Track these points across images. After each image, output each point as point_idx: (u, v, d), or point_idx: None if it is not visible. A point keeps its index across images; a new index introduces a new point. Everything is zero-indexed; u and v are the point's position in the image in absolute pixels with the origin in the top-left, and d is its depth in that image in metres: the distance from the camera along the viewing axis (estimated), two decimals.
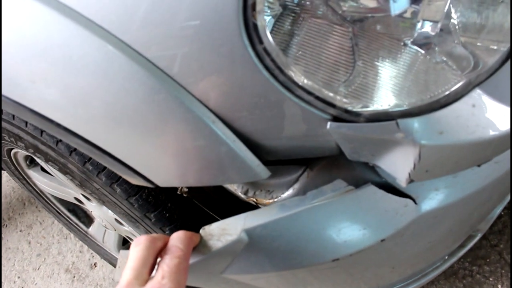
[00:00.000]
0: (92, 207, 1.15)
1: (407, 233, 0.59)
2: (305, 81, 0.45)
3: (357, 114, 0.46)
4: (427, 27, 0.45)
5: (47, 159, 0.84)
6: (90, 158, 0.74)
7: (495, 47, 0.46)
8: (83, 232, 1.42)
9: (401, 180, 0.49)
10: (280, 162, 0.59)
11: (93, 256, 1.65)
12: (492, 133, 0.45)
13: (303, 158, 0.56)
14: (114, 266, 1.49)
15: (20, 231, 1.83)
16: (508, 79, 0.47)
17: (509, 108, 0.45)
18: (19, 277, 1.68)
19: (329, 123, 0.47)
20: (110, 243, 1.34)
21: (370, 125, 0.46)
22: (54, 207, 1.38)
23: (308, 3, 0.44)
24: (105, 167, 0.73)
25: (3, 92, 0.55)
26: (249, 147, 0.51)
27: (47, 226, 1.81)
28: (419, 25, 0.44)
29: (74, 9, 0.47)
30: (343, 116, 0.47)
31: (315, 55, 0.45)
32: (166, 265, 0.48)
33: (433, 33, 0.45)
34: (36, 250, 1.75)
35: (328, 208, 0.56)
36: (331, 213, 0.57)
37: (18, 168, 1.21)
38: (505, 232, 1.28)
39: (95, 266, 1.62)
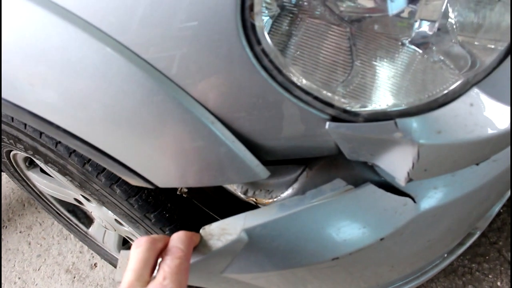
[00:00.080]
0: (92, 208, 1.15)
1: (406, 231, 0.59)
2: (304, 81, 0.45)
3: (356, 114, 0.47)
4: (425, 27, 0.45)
5: (47, 161, 0.84)
6: (90, 159, 0.74)
7: (492, 46, 0.46)
8: (83, 232, 1.42)
9: (400, 179, 0.50)
10: (279, 162, 0.59)
11: (93, 257, 1.65)
12: (490, 131, 0.45)
13: (302, 158, 0.56)
14: (114, 266, 1.49)
15: (20, 232, 1.83)
16: (506, 77, 0.47)
17: (507, 107, 0.46)
18: (19, 278, 1.68)
19: (327, 123, 0.47)
20: (110, 243, 1.34)
21: (368, 125, 0.46)
22: (54, 208, 1.38)
23: (305, 3, 0.44)
24: (104, 168, 0.73)
25: (3, 95, 0.55)
26: (248, 148, 0.52)
27: (47, 227, 1.81)
28: (416, 24, 0.45)
29: (72, 11, 0.47)
30: (342, 116, 0.47)
31: (313, 56, 0.45)
32: (167, 266, 0.48)
33: (430, 33, 0.45)
34: (36, 251, 1.75)
35: (327, 208, 0.57)
36: (330, 212, 0.57)
37: (18, 169, 1.21)
38: (504, 229, 1.29)
39: (95, 267, 1.62)
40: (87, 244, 1.51)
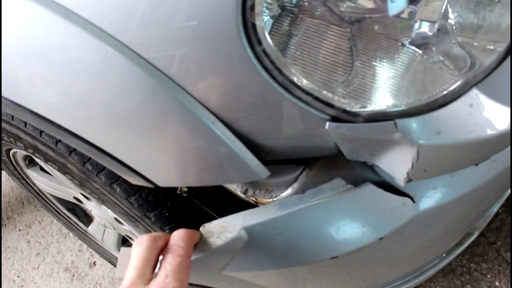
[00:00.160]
0: (91, 206, 1.15)
1: (405, 231, 0.59)
2: (304, 81, 0.45)
3: (356, 115, 0.47)
4: (425, 27, 0.45)
5: (47, 159, 0.84)
6: (90, 158, 0.74)
7: (491, 47, 0.46)
8: (82, 231, 1.42)
9: (400, 180, 0.50)
10: (279, 161, 0.60)
11: (92, 255, 1.65)
12: (489, 132, 0.45)
13: (302, 157, 0.56)
14: (114, 265, 1.49)
15: (19, 230, 1.83)
16: (505, 78, 0.47)
17: (506, 108, 0.46)
18: (18, 276, 1.68)
19: (327, 123, 0.48)
20: (109, 242, 1.34)
21: (368, 125, 0.46)
22: (53, 206, 1.38)
23: (306, 3, 0.44)
24: (104, 167, 0.73)
25: (4, 94, 0.56)
26: (249, 147, 0.52)
27: (46, 225, 1.81)
28: (416, 25, 0.45)
29: (73, 11, 0.47)
30: (342, 116, 0.47)
31: (313, 56, 0.45)
32: (169, 263, 0.49)
33: (430, 33, 0.45)
34: (35, 249, 1.75)
35: (327, 207, 0.57)
36: (330, 211, 0.57)
37: (17, 167, 1.20)
38: (503, 229, 1.29)
39: (95, 265, 1.63)
40: (86, 242, 1.51)
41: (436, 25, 0.45)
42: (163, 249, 0.52)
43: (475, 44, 0.47)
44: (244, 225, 0.58)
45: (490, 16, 0.46)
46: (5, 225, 1.87)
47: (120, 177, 0.74)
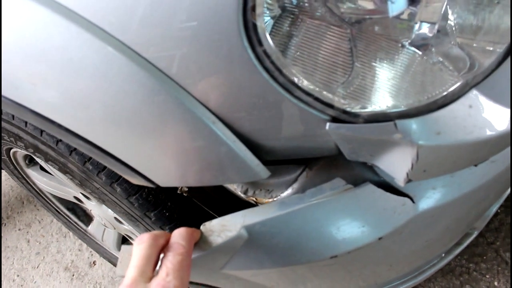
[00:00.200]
0: (91, 206, 1.15)
1: (404, 231, 0.59)
2: (304, 82, 0.46)
3: (356, 115, 0.47)
4: (425, 29, 0.45)
5: (47, 159, 0.84)
6: (90, 158, 0.74)
7: (491, 48, 0.47)
8: (82, 230, 1.43)
9: (399, 180, 0.50)
10: (279, 162, 0.60)
11: (92, 255, 1.65)
12: (489, 133, 0.45)
13: (302, 158, 0.56)
14: (114, 264, 1.49)
15: (19, 229, 1.84)
16: (504, 79, 0.47)
17: (505, 108, 0.46)
18: (18, 276, 1.68)
19: (328, 124, 0.48)
20: (109, 241, 1.34)
21: (368, 126, 0.47)
22: (53, 205, 1.38)
23: (306, 4, 0.44)
24: (105, 167, 0.74)
25: (5, 94, 0.56)
26: (249, 147, 0.52)
27: (46, 225, 1.82)
28: (416, 26, 0.45)
29: (73, 10, 0.47)
30: (342, 117, 0.47)
31: (314, 57, 0.45)
32: (170, 262, 0.49)
33: (430, 35, 0.45)
34: (35, 248, 1.75)
35: (326, 206, 0.57)
36: (329, 211, 0.57)
37: (17, 167, 1.20)
38: (502, 229, 1.29)
39: (94, 265, 1.63)
40: (86, 242, 1.51)
41: (436, 26, 0.45)
42: (164, 247, 0.52)
43: (475, 45, 0.47)
44: (244, 223, 0.58)
45: (490, 17, 0.46)
46: (5, 224, 1.87)
47: (120, 176, 0.74)
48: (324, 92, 0.46)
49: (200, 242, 0.59)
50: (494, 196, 0.75)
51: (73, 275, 1.62)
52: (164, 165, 0.55)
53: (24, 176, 1.25)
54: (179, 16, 0.43)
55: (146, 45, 0.46)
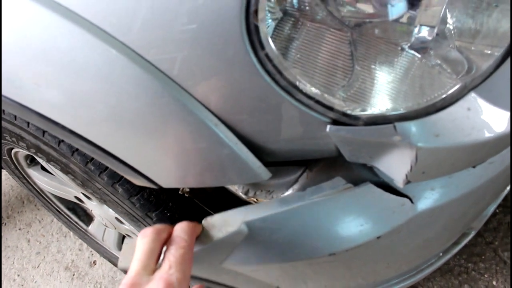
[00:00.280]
0: (92, 206, 1.15)
1: (403, 231, 0.60)
2: (306, 85, 0.46)
3: (356, 118, 0.47)
4: (424, 32, 0.46)
5: (49, 159, 0.84)
6: (92, 158, 0.74)
7: (489, 52, 0.47)
8: (83, 230, 1.43)
9: (399, 181, 0.51)
10: (280, 163, 0.60)
11: (92, 254, 1.65)
12: (487, 135, 0.46)
13: (303, 159, 0.57)
14: (114, 264, 1.49)
15: (19, 229, 1.84)
16: (502, 82, 0.48)
17: (503, 111, 0.46)
18: (18, 275, 1.68)
19: (328, 126, 0.48)
20: (109, 241, 1.35)
21: (368, 128, 0.47)
22: (54, 205, 1.38)
23: (307, 7, 0.45)
24: (107, 167, 0.74)
25: (8, 94, 0.56)
26: (250, 149, 0.52)
27: (46, 224, 1.82)
28: (416, 30, 0.45)
29: (76, 12, 0.47)
30: (342, 120, 0.48)
31: (314, 60, 0.46)
32: (172, 255, 0.50)
33: (429, 38, 0.46)
34: (35, 248, 1.75)
35: (326, 204, 0.58)
36: (329, 209, 0.58)
37: (18, 167, 1.21)
38: (500, 229, 1.30)
39: (95, 264, 1.63)
40: (86, 241, 1.51)
41: (435, 30, 0.45)
42: (167, 241, 0.53)
43: (473, 48, 0.48)
44: (245, 219, 0.59)
45: (488, 21, 0.47)
46: (5, 224, 1.87)
47: (122, 177, 0.74)
48: (325, 95, 0.46)
49: (201, 236, 0.60)
50: (491, 196, 0.76)
51: (73, 275, 1.62)
52: (166, 166, 0.56)
53: (25, 176, 1.25)
54: (180, 18, 0.43)
55: (148, 47, 0.46)
